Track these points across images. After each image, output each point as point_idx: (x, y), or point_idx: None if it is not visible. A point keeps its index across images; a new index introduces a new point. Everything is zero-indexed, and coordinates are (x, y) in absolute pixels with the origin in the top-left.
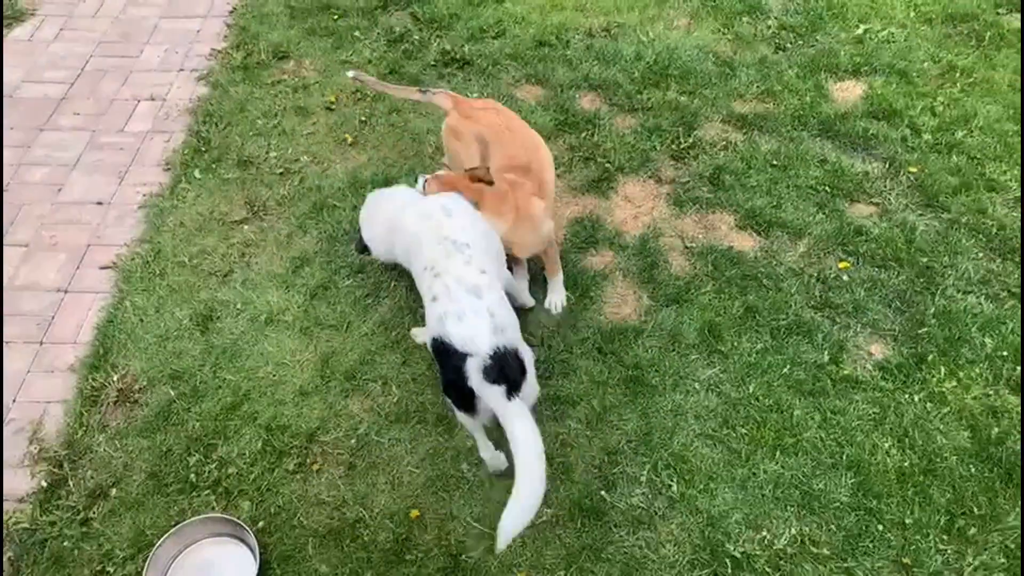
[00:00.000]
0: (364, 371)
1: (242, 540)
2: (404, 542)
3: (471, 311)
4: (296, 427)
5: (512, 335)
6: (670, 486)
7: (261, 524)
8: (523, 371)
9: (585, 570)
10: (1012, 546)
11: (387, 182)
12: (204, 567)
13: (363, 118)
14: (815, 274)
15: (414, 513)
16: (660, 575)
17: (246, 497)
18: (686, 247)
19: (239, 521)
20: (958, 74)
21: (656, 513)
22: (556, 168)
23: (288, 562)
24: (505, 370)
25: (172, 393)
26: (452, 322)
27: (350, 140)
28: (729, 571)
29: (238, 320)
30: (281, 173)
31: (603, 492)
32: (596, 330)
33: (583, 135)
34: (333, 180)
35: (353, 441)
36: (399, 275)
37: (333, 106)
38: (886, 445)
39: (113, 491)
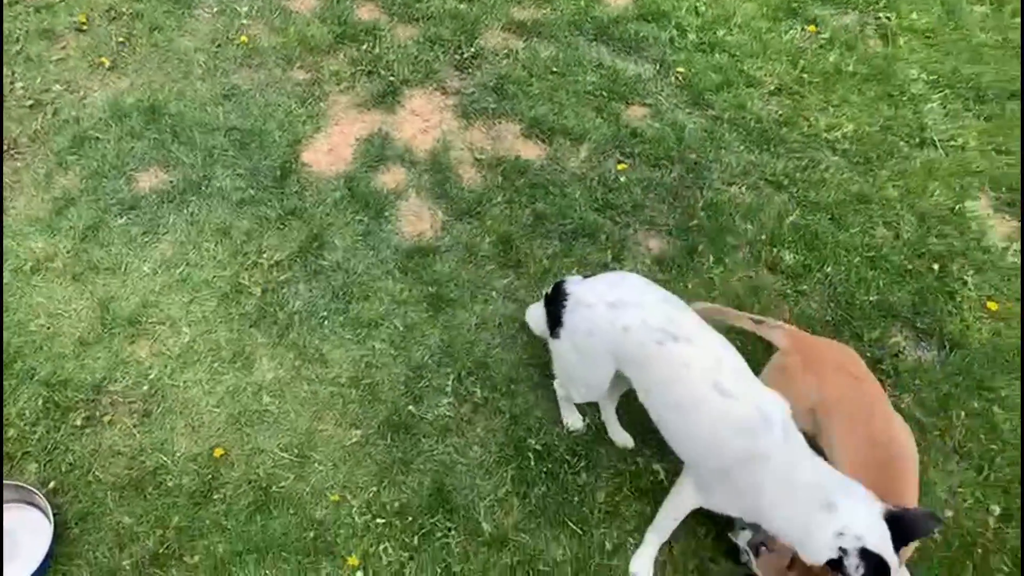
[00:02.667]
0: (148, 314)
1: (31, 504)
2: (211, 482)
3: None
4: (80, 380)
5: None
6: (474, 392)
7: (52, 485)
8: None
9: (397, 482)
10: None
11: (153, 108)
12: None
13: (121, 39)
14: (596, 178)
15: (218, 452)
16: (470, 476)
17: (31, 459)
18: (476, 159)
19: (25, 485)
20: None
21: (463, 419)
22: (338, 84)
23: (87, 519)
24: None
25: None
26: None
27: (108, 64)
28: (532, 463)
29: None
30: (31, 106)
31: (411, 407)
32: (395, 250)
33: (364, 47)
34: (92, 110)
35: (145, 388)
36: (178, 209)
37: (84, 27)
38: None
39: None
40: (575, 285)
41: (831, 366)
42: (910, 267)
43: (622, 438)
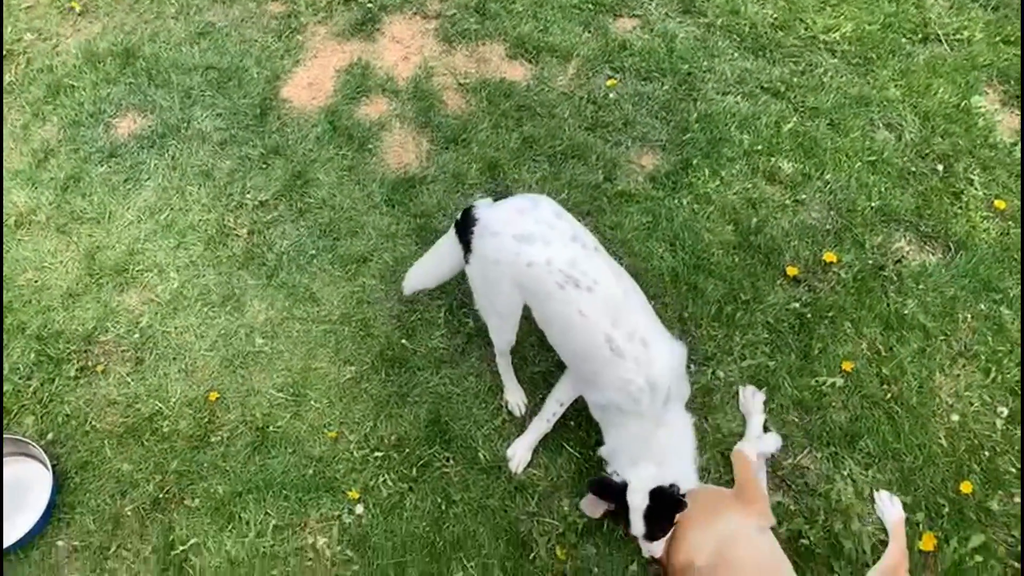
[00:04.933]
0: (136, 262)
1: (30, 456)
2: (207, 425)
3: None
4: (71, 331)
5: None
6: (467, 323)
7: (50, 436)
8: None
9: (394, 415)
10: (772, 322)
11: (127, 52)
12: None
13: None
14: (585, 95)
15: (213, 396)
16: (466, 406)
17: (28, 412)
18: (460, 84)
19: (23, 438)
20: None
21: (457, 351)
22: (315, 15)
23: (86, 468)
24: None
25: None
26: None
27: (78, 9)
28: (529, 392)
29: None
30: (3, 56)
31: (404, 341)
32: (380, 183)
33: None
34: (66, 57)
35: (136, 336)
36: (158, 154)
37: None
38: (660, 250)
39: None
40: (484, 210)
41: None
42: (913, 169)
43: (516, 397)
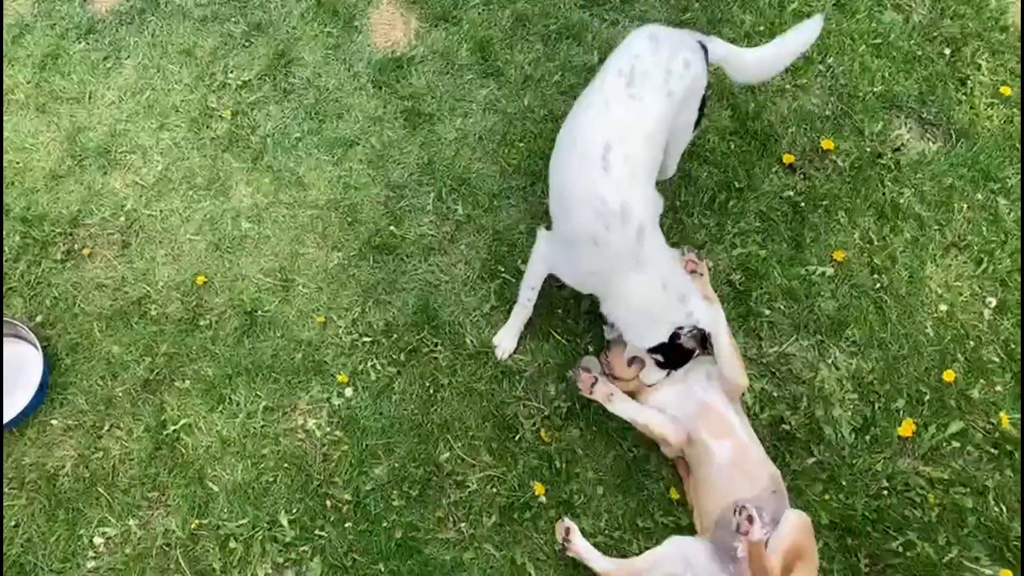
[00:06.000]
0: (118, 143)
1: (20, 337)
2: (195, 309)
3: None
4: (55, 214)
5: None
6: (456, 210)
7: (39, 319)
8: None
9: (382, 302)
10: (765, 210)
11: None
12: None
13: None
14: None
15: (200, 279)
16: (454, 293)
17: (16, 295)
18: None
19: (12, 320)
20: None
21: (445, 238)
22: None
23: (76, 350)
24: None
25: None
26: None
27: None
28: (513, 280)
29: None
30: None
31: (392, 227)
32: (367, 63)
33: None
34: None
35: (122, 219)
36: (138, 31)
37: None
38: None
39: None
40: None
41: None
42: (919, 53)
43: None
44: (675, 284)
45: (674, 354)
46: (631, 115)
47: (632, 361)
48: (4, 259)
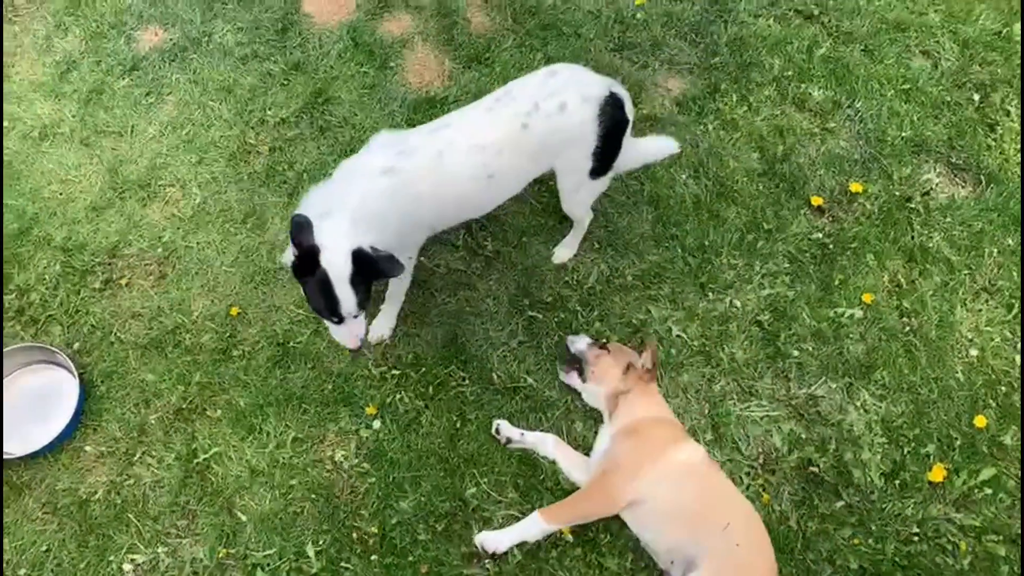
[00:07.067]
0: (158, 176)
1: (58, 364)
2: (229, 340)
3: None
4: (95, 244)
5: None
6: (485, 246)
7: (77, 346)
8: None
9: (411, 335)
10: (793, 251)
11: None
12: (25, 397)
13: None
14: (613, 15)
15: (234, 311)
16: (483, 327)
17: (55, 322)
18: (484, 2)
19: (51, 347)
20: None
21: (475, 273)
22: None
23: (112, 377)
24: None
25: None
26: None
27: None
28: (545, 314)
29: (8, 139)
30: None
31: (423, 261)
32: (401, 102)
33: None
34: None
35: (159, 250)
36: (180, 68)
37: None
38: (683, 176)
39: None
40: None
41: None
42: (948, 99)
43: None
44: (336, 200)
45: (294, 237)
46: (475, 125)
47: (628, 368)
48: (45, 287)
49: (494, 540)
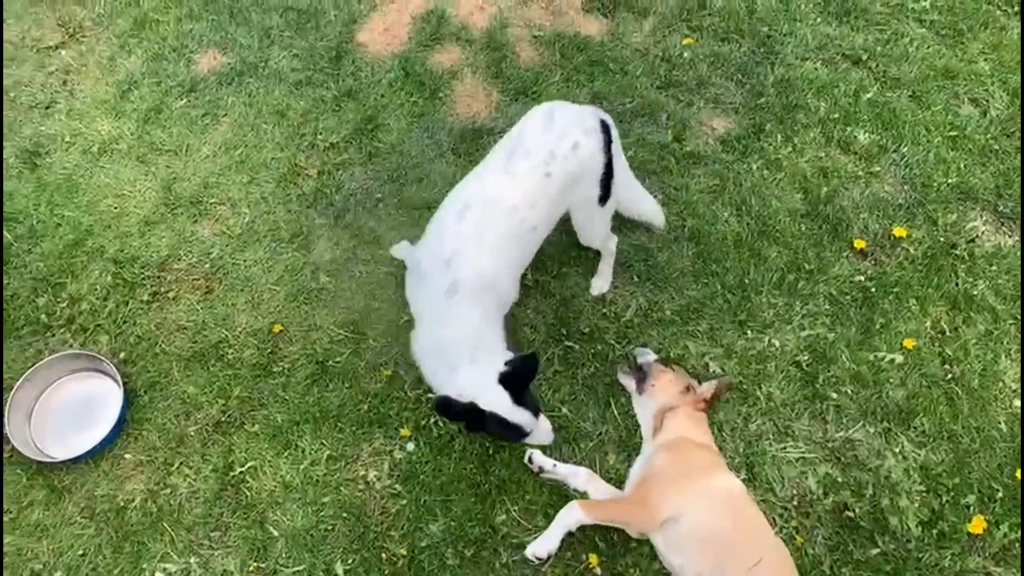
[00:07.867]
0: (210, 195)
1: (103, 372)
2: (270, 356)
3: None
4: (146, 257)
5: None
6: (524, 275)
7: (123, 356)
8: None
9: None
10: (835, 293)
11: None
12: (70, 403)
13: None
14: (660, 53)
15: (277, 328)
16: None
17: (103, 331)
18: (534, 36)
19: (98, 355)
20: None
21: (513, 302)
22: None
23: (155, 388)
24: None
25: (8, 236)
26: None
27: None
28: (577, 347)
29: (69, 153)
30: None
31: None
32: (449, 131)
33: None
34: None
35: (207, 266)
36: (236, 91)
37: None
38: (725, 214)
39: None
40: None
41: None
42: (996, 147)
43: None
44: (450, 351)
45: (448, 415)
46: (500, 188)
47: (687, 390)
48: (95, 297)
49: (544, 545)
